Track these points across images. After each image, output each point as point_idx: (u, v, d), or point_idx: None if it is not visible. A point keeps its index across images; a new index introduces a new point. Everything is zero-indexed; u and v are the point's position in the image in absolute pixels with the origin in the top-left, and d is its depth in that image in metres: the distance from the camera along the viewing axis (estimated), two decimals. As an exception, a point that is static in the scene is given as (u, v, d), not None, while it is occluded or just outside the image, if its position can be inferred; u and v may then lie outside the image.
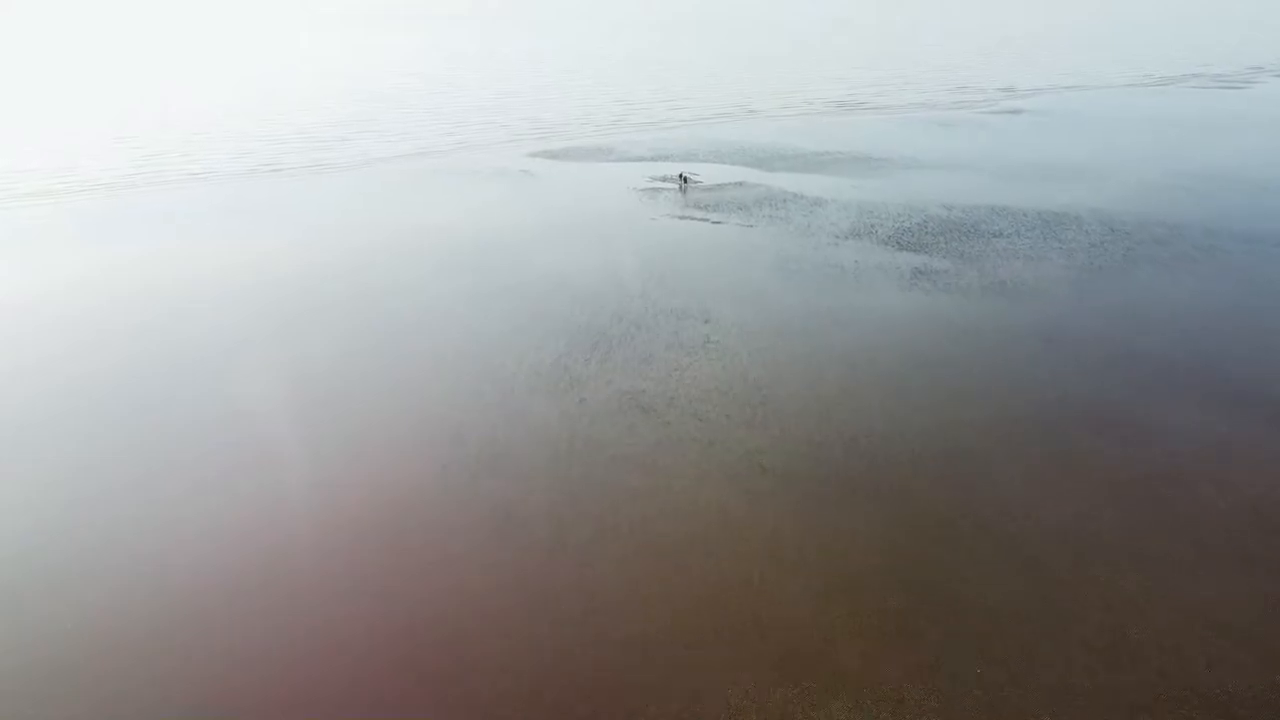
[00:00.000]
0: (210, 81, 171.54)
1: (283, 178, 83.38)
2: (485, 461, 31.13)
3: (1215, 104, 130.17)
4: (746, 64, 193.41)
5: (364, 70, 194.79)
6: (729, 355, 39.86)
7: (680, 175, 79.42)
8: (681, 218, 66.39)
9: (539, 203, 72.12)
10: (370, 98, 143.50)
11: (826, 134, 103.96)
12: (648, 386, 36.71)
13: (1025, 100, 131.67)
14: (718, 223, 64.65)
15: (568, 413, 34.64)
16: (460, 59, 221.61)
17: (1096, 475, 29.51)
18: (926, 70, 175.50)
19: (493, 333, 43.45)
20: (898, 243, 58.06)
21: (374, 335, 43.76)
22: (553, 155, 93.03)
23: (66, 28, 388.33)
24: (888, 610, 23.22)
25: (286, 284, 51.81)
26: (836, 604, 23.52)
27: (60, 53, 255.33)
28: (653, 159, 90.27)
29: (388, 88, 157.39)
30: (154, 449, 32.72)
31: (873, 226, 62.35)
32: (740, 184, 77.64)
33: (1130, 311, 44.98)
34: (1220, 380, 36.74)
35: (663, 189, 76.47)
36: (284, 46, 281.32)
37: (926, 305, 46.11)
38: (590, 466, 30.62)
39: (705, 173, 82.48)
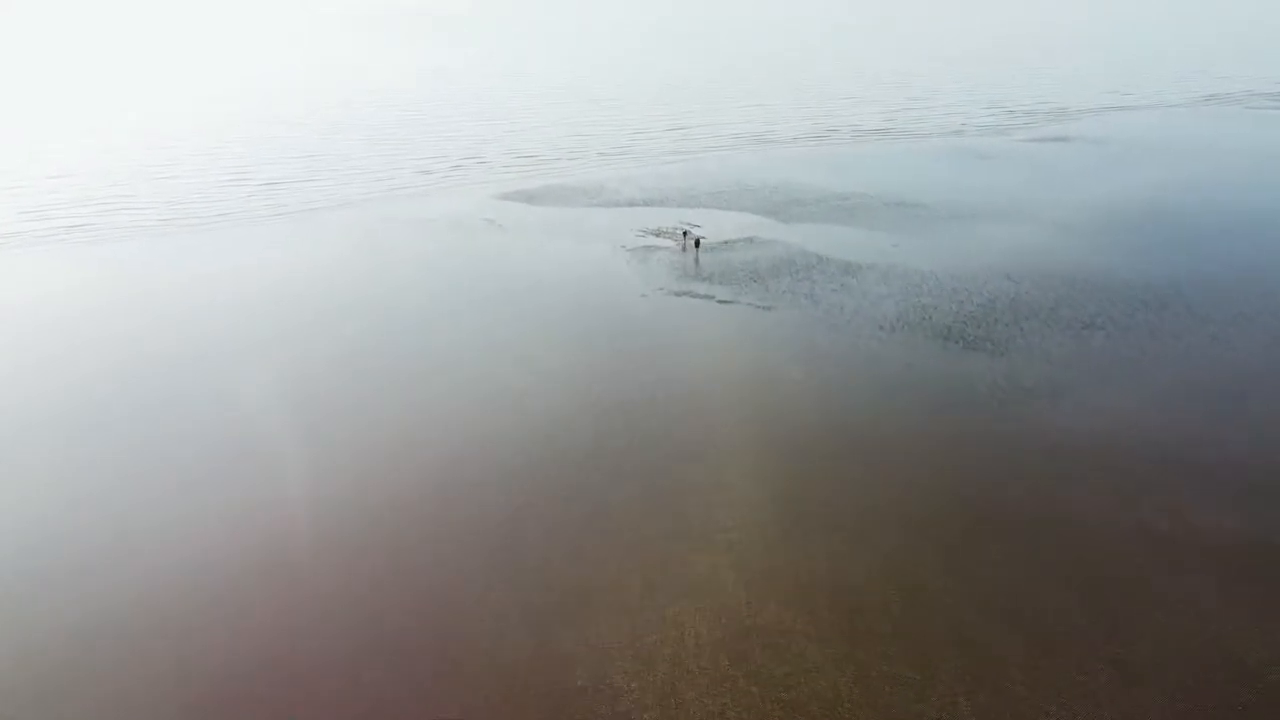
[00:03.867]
0: (174, 103, 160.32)
1: (189, 232, 71.59)
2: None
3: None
4: (752, 77, 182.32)
5: (348, 82, 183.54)
6: (751, 567, 27.77)
7: (684, 233, 67.09)
8: (680, 294, 54.50)
9: (499, 271, 60.27)
10: (344, 122, 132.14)
11: (850, 168, 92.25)
12: (623, 641, 24.62)
13: (1072, 123, 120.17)
14: (726, 302, 52.78)
15: (505, 687, 22.55)
16: (451, 69, 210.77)
17: None
18: (950, 85, 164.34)
19: (397, 505, 31.38)
20: (962, 338, 46.10)
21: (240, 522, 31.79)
22: (529, 198, 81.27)
23: (45, 34, 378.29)
24: None
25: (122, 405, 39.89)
26: None
27: (25, 64, 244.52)
28: (646, 203, 78.50)
29: (366, 106, 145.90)
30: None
31: (924, 310, 50.41)
32: (752, 240, 65.81)
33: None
34: None
35: (658, 247, 64.66)
36: (272, 55, 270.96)
37: (1024, 464, 34.05)
38: None
39: (710, 223, 70.72)
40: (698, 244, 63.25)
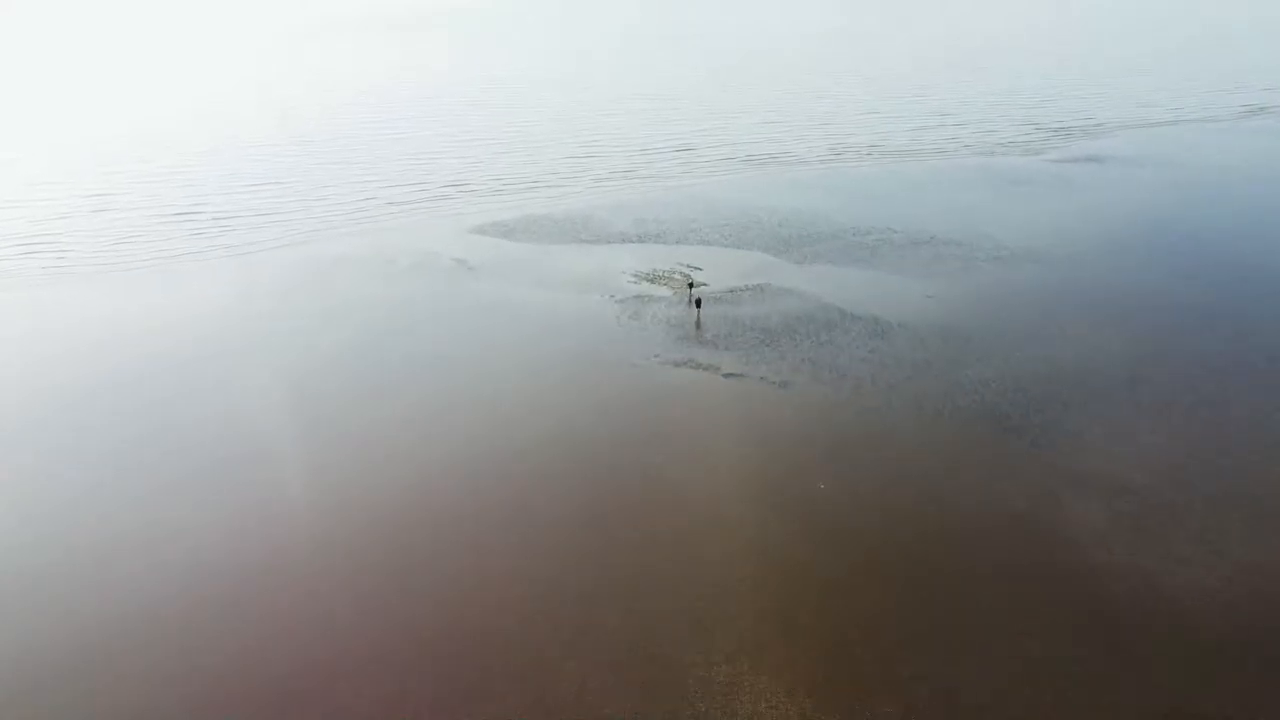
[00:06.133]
0: (145, 114, 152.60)
1: (111, 277, 63.40)
2: None
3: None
4: (757, 85, 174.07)
5: (338, 91, 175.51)
6: None
7: (690, 284, 57.96)
8: (679, 364, 46.11)
9: (456, 333, 52.01)
10: (324, 140, 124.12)
11: (868, 196, 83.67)
12: None
13: (1106, 140, 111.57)
14: (734, 375, 44.39)
15: None
16: (439, 79, 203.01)
17: None
18: (971, 97, 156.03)
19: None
20: (1027, 432, 37.70)
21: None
22: (506, 231, 72.88)
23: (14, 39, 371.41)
24: None
25: None
26: None
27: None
28: (640, 239, 70.03)
29: (351, 121, 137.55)
30: None
31: (975, 387, 41.97)
32: (763, 289, 57.41)
33: None
34: None
35: (654, 297, 56.29)
36: (268, 57, 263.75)
37: (1146, 660, 25.61)
38: None
39: (714, 263, 62.47)
40: (699, 304, 53.90)
